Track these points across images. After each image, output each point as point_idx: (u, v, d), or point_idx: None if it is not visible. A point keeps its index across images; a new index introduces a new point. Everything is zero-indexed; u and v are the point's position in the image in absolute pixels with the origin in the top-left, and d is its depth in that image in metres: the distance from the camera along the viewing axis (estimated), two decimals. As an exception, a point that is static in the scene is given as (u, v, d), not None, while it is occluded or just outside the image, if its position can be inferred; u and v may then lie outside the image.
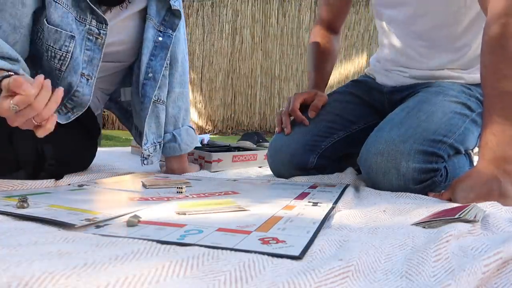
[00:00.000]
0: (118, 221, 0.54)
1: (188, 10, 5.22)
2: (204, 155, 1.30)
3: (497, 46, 0.78)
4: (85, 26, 0.89)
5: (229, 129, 5.29)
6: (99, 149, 1.18)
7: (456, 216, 0.55)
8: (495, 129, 0.75)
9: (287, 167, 1.09)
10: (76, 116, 0.94)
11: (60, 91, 0.68)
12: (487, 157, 0.75)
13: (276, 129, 1.15)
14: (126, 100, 1.12)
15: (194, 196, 0.75)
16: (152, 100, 1.01)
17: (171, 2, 0.99)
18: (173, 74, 1.08)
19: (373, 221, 0.61)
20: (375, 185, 0.92)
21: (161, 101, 1.04)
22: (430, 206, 0.69)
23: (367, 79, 1.24)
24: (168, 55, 1.02)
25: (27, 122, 0.66)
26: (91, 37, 0.90)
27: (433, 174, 0.88)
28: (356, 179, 1.02)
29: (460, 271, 0.37)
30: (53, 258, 0.37)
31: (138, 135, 1.12)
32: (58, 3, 0.83)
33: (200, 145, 1.53)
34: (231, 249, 0.43)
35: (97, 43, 0.91)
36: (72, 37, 0.87)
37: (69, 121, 0.92)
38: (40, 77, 0.65)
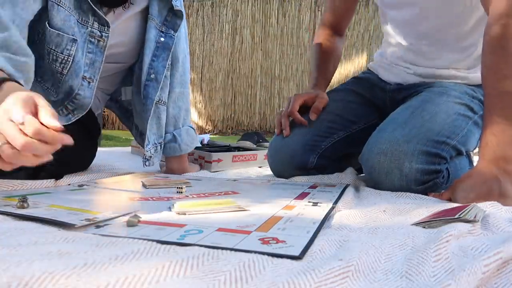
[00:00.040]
0: (118, 221, 0.54)
1: (188, 10, 5.22)
2: (204, 155, 1.30)
3: (498, 46, 0.78)
4: (87, 28, 0.88)
5: (229, 129, 5.29)
6: (99, 149, 1.18)
7: (456, 216, 0.55)
8: (495, 129, 0.75)
9: (287, 167, 1.08)
10: (77, 118, 0.94)
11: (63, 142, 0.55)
12: (487, 157, 0.75)
13: (276, 130, 1.15)
14: (127, 99, 1.12)
15: (194, 196, 0.75)
16: (154, 101, 1.01)
17: (173, 2, 0.98)
18: (174, 74, 1.08)
19: (373, 221, 0.61)
20: (377, 185, 0.91)
21: (162, 102, 1.04)
22: (430, 206, 0.69)
23: (369, 76, 1.23)
24: (170, 55, 1.02)
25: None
26: (93, 40, 0.89)
27: (435, 176, 0.88)
28: (356, 179, 1.02)
29: (460, 271, 0.37)
30: (53, 258, 0.37)
31: (139, 135, 1.12)
32: (61, 6, 0.82)
33: (200, 145, 1.53)
34: (231, 249, 0.43)
35: (99, 46, 0.90)
36: (74, 40, 0.86)
37: (70, 122, 0.92)
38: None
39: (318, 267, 0.37)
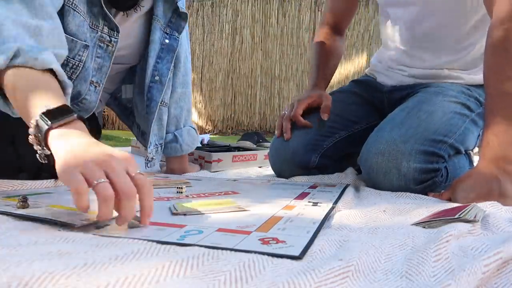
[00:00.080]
0: (118, 221, 0.54)
1: (188, 10, 5.20)
2: (204, 155, 1.30)
3: (501, 48, 0.78)
4: (97, 33, 0.87)
5: (229, 129, 5.29)
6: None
7: (456, 216, 0.55)
8: (496, 129, 0.75)
9: (289, 166, 1.09)
10: None
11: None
12: (488, 157, 0.75)
13: (276, 132, 1.15)
14: (127, 97, 1.12)
15: (194, 196, 0.75)
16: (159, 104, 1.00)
17: (178, 4, 0.98)
18: (176, 74, 1.07)
19: (373, 221, 0.61)
20: (376, 185, 0.92)
21: (164, 103, 1.04)
22: (430, 206, 0.69)
23: (367, 79, 1.25)
24: (174, 58, 1.01)
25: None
26: (102, 45, 0.88)
27: (433, 174, 0.88)
28: (356, 179, 1.02)
29: (460, 271, 0.37)
30: (53, 258, 0.37)
31: (140, 134, 1.12)
32: (77, 11, 0.81)
33: (200, 145, 1.53)
34: (231, 249, 0.43)
35: (108, 51, 0.90)
36: (86, 46, 0.85)
37: None
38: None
39: (318, 267, 0.37)
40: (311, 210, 0.65)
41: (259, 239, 0.47)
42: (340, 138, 1.12)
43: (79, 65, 0.86)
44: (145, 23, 0.98)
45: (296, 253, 0.42)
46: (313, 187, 0.90)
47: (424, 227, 0.55)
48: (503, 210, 0.64)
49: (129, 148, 1.89)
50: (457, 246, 0.46)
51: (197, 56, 5.32)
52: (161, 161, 1.19)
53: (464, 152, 1.01)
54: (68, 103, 0.65)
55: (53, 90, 0.60)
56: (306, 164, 1.08)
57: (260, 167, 1.42)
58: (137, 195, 0.49)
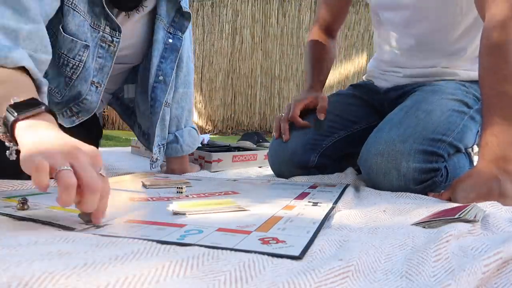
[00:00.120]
0: (118, 221, 0.54)
1: (188, 10, 5.22)
2: (204, 155, 1.30)
3: (497, 48, 0.78)
4: (99, 33, 0.87)
5: (229, 129, 5.29)
6: (99, 149, 1.18)
7: (456, 216, 0.55)
8: (495, 129, 0.75)
9: (288, 166, 1.09)
10: (81, 121, 0.93)
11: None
12: (487, 157, 0.75)
13: (274, 134, 1.15)
14: (129, 97, 1.11)
15: (194, 196, 0.75)
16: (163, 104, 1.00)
17: (181, 3, 0.97)
18: (178, 74, 1.07)
19: (373, 221, 0.61)
20: (376, 186, 0.92)
21: (167, 104, 1.04)
22: (430, 206, 0.69)
23: (365, 83, 1.27)
24: (178, 57, 1.01)
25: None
26: (103, 45, 0.88)
27: (433, 174, 0.88)
28: (356, 179, 1.02)
29: (460, 271, 0.37)
30: (53, 258, 0.37)
31: (142, 134, 1.11)
32: (76, 11, 0.81)
33: (200, 145, 1.53)
34: (231, 249, 0.43)
35: (109, 51, 0.89)
36: (87, 46, 0.84)
37: (73, 125, 0.91)
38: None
39: (318, 267, 0.37)
40: (311, 210, 0.65)
41: (259, 239, 0.47)
42: (339, 137, 1.12)
43: (80, 65, 0.85)
44: (148, 22, 0.98)
45: (296, 253, 0.42)
46: (313, 187, 0.90)
47: (424, 227, 0.55)
48: (503, 210, 0.64)
49: (129, 148, 1.89)
50: (457, 246, 0.46)
51: (197, 56, 5.32)
52: (162, 161, 1.19)
53: (464, 151, 1.01)
54: (44, 101, 0.64)
55: (24, 86, 0.60)
56: (305, 164, 1.08)
57: (260, 167, 1.42)
58: None
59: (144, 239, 0.45)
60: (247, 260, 0.39)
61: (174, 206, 0.62)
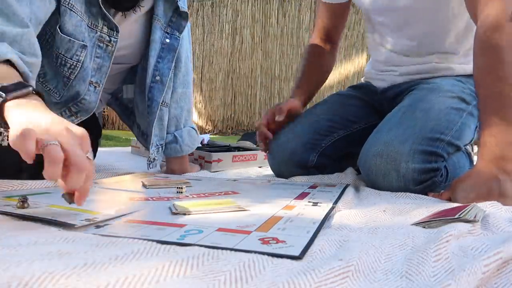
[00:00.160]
0: (118, 221, 0.54)
1: (188, 10, 5.22)
2: (204, 155, 1.30)
3: (491, 49, 0.79)
4: (96, 33, 0.87)
5: (229, 129, 5.29)
6: (99, 149, 1.18)
7: (456, 216, 0.55)
8: (493, 130, 0.75)
9: (287, 165, 1.09)
10: (80, 121, 0.93)
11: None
12: (486, 157, 0.75)
13: (260, 147, 1.19)
14: (128, 97, 1.11)
15: (194, 196, 0.75)
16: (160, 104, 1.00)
17: (179, 3, 0.98)
18: (177, 74, 1.07)
19: (373, 221, 0.61)
20: (375, 187, 0.92)
21: (165, 104, 1.04)
22: (430, 206, 0.69)
23: (364, 84, 1.27)
24: (175, 57, 1.01)
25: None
26: (101, 45, 0.88)
27: (433, 174, 0.88)
28: (356, 179, 1.02)
29: (460, 271, 0.37)
30: (53, 258, 0.37)
31: (141, 134, 1.11)
32: (73, 11, 0.81)
33: (200, 145, 1.53)
34: (231, 249, 0.43)
35: (107, 51, 0.89)
36: (84, 46, 0.85)
37: None
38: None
39: (318, 267, 0.37)
40: (311, 210, 0.65)
41: (259, 239, 0.47)
42: (338, 137, 1.13)
43: (77, 65, 0.86)
44: (145, 22, 0.98)
45: (296, 253, 0.42)
46: (313, 187, 0.90)
47: (424, 227, 0.55)
48: (503, 210, 0.64)
49: (129, 148, 1.89)
50: (457, 246, 0.46)
51: (197, 56, 5.32)
52: (161, 161, 1.19)
53: (463, 148, 1.01)
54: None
55: (10, 77, 0.60)
56: (304, 163, 1.08)
57: (260, 167, 1.42)
58: None
59: (144, 239, 0.45)
60: (247, 260, 0.39)
61: (174, 206, 0.62)
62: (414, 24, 1.06)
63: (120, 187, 0.85)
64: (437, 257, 0.42)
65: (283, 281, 0.34)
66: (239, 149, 1.50)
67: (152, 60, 0.97)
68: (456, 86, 1.03)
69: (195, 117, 5.26)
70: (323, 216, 0.60)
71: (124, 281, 0.33)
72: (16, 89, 0.55)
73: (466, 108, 0.99)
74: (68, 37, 0.82)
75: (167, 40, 0.98)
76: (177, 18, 0.99)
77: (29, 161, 0.47)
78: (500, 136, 0.74)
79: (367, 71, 1.28)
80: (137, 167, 1.24)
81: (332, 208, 0.67)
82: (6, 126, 0.54)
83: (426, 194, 0.83)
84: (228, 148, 1.52)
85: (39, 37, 0.83)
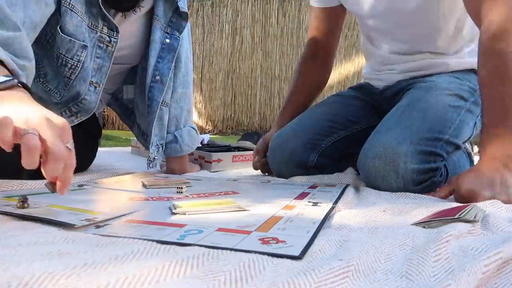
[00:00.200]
0: (118, 221, 0.54)
1: (188, 10, 5.23)
2: (204, 155, 1.30)
3: (496, 55, 0.79)
4: (96, 33, 0.87)
5: (229, 129, 5.29)
6: (99, 149, 1.18)
7: (456, 216, 0.55)
8: (497, 130, 0.76)
9: (287, 165, 1.09)
10: (80, 121, 0.93)
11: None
12: (489, 154, 0.76)
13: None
14: (129, 98, 1.12)
15: (194, 196, 0.75)
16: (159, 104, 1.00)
17: (179, 3, 0.98)
18: (177, 74, 1.07)
19: (373, 221, 0.61)
20: (375, 188, 0.92)
21: (165, 104, 1.04)
22: (430, 206, 0.69)
23: (363, 84, 1.27)
24: (175, 57, 1.01)
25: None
26: (101, 45, 0.88)
27: (432, 174, 0.88)
28: (356, 179, 1.02)
29: (460, 271, 0.37)
30: (53, 258, 0.37)
31: (141, 135, 1.12)
32: (74, 11, 0.81)
33: (200, 145, 1.53)
34: (231, 249, 0.43)
35: (107, 51, 0.90)
36: (85, 46, 0.85)
37: (72, 124, 0.92)
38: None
39: (318, 267, 0.37)
40: (311, 210, 0.65)
41: (259, 239, 0.47)
42: (339, 137, 1.13)
43: (78, 65, 0.86)
44: (145, 23, 0.98)
45: (296, 253, 0.42)
46: (313, 187, 0.90)
47: (424, 227, 0.55)
48: (503, 209, 0.64)
49: (129, 148, 1.89)
50: (457, 246, 0.46)
51: (197, 56, 5.32)
52: (161, 161, 1.19)
53: (463, 147, 1.01)
54: None
55: None
56: (304, 163, 1.08)
57: (260, 167, 1.42)
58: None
59: (144, 239, 0.45)
60: (247, 260, 0.39)
61: (174, 206, 0.62)
62: (404, 29, 1.07)
63: (120, 187, 0.85)
64: (437, 257, 0.42)
65: (283, 281, 0.34)
66: (239, 149, 1.50)
67: (152, 60, 0.97)
68: (453, 83, 1.03)
69: (195, 117, 5.26)
70: (323, 216, 0.60)
71: (124, 281, 0.33)
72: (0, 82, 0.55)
73: (464, 105, 0.99)
74: (69, 38, 0.83)
75: (167, 40, 0.98)
76: (177, 18, 0.99)
77: (8, 149, 0.47)
78: (503, 136, 0.75)
79: (365, 72, 1.29)
80: (137, 167, 1.24)
81: (332, 208, 0.67)
82: None
83: (426, 194, 0.83)
84: (228, 148, 1.52)
85: (39, 38, 0.83)
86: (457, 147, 0.96)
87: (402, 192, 0.85)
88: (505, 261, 0.40)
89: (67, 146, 0.51)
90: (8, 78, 0.56)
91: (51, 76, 0.89)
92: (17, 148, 0.68)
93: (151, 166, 1.04)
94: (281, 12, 5.12)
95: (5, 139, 0.46)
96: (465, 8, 0.91)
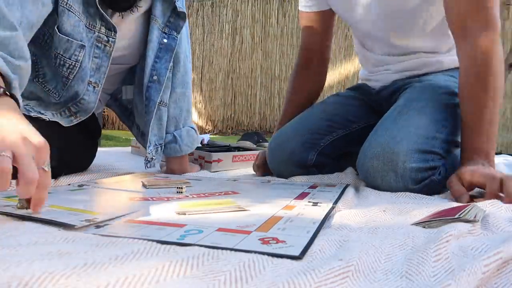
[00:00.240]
0: (118, 221, 0.54)
1: (188, 10, 5.22)
2: (204, 155, 1.30)
3: (477, 80, 0.84)
4: (94, 33, 0.87)
5: (229, 129, 5.29)
6: (99, 149, 1.18)
7: (456, 216, 0.55)
8: (476, 149, 0.83)
9: (287, 165, 1.09)
10: (79, 121, 0.93)
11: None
12: (473, 158, 0.82)
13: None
14: (128, 98, 1.12)
15: (194, 196, 0.75)
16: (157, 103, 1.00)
17: (176, 3, 0.98)
18: (175, 75, 1.07)
19: (373, 221, 0.61)
20: (375, 188, 0.92)
21: (163, 103, 1.04)
22: (430, 206, 0.69)
23: (361, 85, 1.27)
24: (173, 57, 1.01)
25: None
26: (99, 45, 0.88)
27: (431, 173, 0.88)
28: (356, 179, 1.02)
29: (460, 271, 0.37)
30: (53, 258, 0.37)
31: (140, 135, 1.12)
32: (71, 11, 0.81)
33: (200, 145, 1.53)
34: (231, 249, 0.43)
35: (106, 51, 0.90)
36: (83, 46, 0.85)
37: (72, 124, 0.92)
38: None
39: (318, 267, 0.37)
40: (311, 210, 0.65)
41: (259, 239, 0.47)
42: (337, 136, 1.13)
43: (76, 65, 0.86)
44: (144, 23, 0.98)
45: (296, 253, 0.42)
46: (313, 187, 0.90)
47: (424, 227, 0.55)
48: (503, 209, 0.64)
49: (129, 148, 1.89)
50: (457, 246, 0.46)
51: (197, 56, 5.32)
52: (161, 161, 1.19)
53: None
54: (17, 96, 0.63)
55: None
56: (303, 163, 1.08)
57: (260, 167, 1.42)
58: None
59: (144, 239, 0.45)
60: (247, 260, 0.39)
61: (174, 206, 0.63)
62: (399, 32, 1.07)
63: (120, 187, 0.85)
64: (437, 257, 0.42)
65: (283, 281, 0.34)
66: (239, 149, 1.50)
67: (149, 60, 0.98)
68: (448, 81, 1.04)
69: (195, 117, 5.26)
70: (323, 216, 0.60)
71: (124, 281, 0.33)
72: None
73: None
74: (66, 37, 0.83)
75: (165, 40, 0.98)
76: (175, 18, 0.99)
77: None
78: (482, 153, 0.82)
79: (361, 73, 1.29)
80: (137, 167, 1.24)
81: (332, 208, 0.67)
82: None
83: (426, 194, 0.83)
84: (228, 148, 1.52)
85: (37, 38, 0.83)
86: (455, 145, 0.96)
87: (402, 192, 0.85)
88: (505, 261, 0.40)
89: (43, 168, 0.51)
90: None
91: (49, 76, 0.89)
92: None
93: (148, 166, 1.04)
94: (281, 12, 5.12)
95: None
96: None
